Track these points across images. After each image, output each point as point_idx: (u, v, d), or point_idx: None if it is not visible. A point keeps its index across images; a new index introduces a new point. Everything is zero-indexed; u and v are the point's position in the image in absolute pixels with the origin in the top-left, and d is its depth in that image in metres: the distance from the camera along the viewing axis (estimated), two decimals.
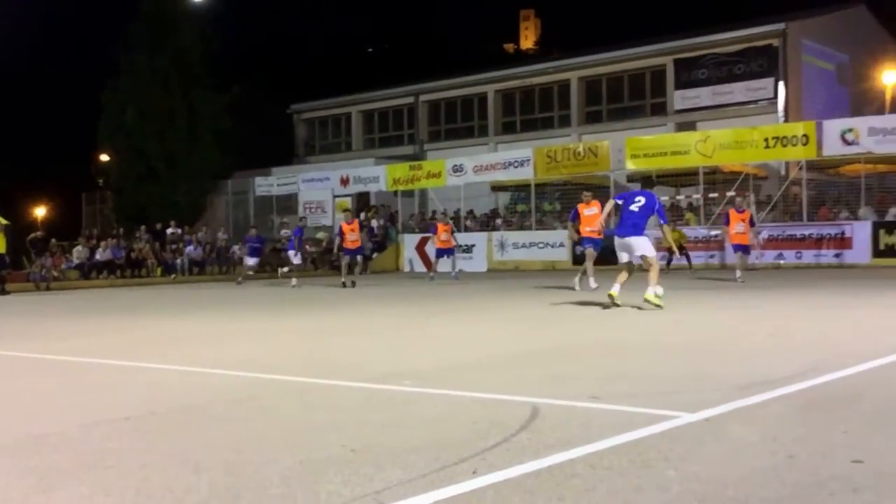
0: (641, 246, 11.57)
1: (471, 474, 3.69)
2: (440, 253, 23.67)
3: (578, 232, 16.72)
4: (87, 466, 4.06)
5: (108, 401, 5.94)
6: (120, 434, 4.78)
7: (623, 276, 11.84)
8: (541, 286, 18.19)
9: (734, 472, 3.64)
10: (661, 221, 11.83)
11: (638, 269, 12.05)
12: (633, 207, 11.59)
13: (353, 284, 20.31)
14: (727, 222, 18.28)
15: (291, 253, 22.87)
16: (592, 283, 15.29)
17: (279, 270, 25.51)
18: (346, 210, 23.78)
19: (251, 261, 24.91)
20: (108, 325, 12.60)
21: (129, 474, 3.90)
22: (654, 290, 11.31)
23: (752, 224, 18.35)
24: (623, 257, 11.82)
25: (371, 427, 4.71)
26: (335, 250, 23.37)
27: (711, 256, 25.06)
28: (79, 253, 27.44)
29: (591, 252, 16.05)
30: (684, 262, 23.25)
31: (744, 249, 18.14)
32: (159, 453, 4.27)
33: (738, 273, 17.77)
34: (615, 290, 11.60)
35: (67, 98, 52.89)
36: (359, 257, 21.76)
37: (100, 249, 27.66)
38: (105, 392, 6.35)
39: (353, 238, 21.19)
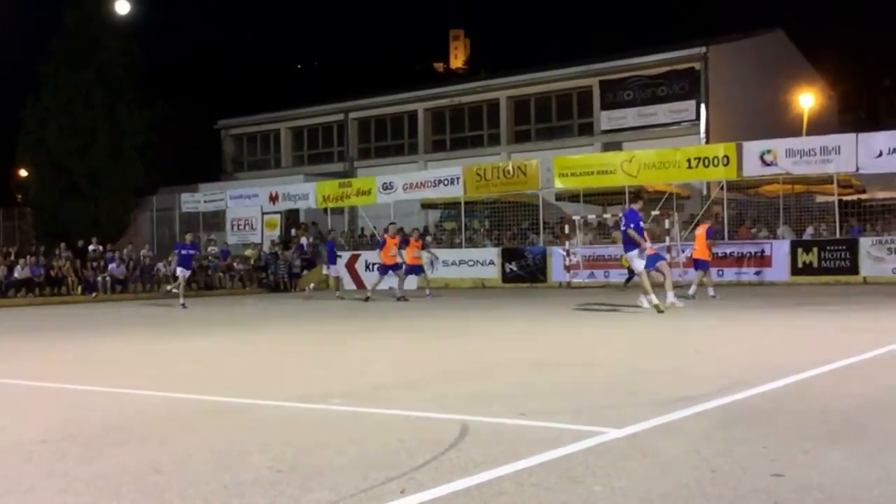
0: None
1: (399, 494, 3.66)
2: (409, 270, 22.20)
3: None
4: (2, 491, 3.91)
5: (23, 423, 5.73)
6: (37, 457, 4.61)
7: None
8: (472, 304, 18.25)
9: (659, 486, 3.68)
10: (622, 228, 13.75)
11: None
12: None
13: (405, 299, 20.17)
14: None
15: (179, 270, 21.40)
16: (671, 296, 14.79)
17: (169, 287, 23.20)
18: (392, 223, 22.42)
19: (182, 272, 21.38)
20: (24, 345, 12.19)
21: (48, 499, 3.76)
22: (658, 298, 13.40)
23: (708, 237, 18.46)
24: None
25: (297, 447, 4.64)
26: (397, 263, 21.73)
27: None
28: None
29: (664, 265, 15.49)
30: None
31: (704, 265, 18.24)
32: (78, 477, 4.13)
33: (711, 290, 17.78)
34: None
35: None
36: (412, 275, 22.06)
37: (18, 267, 26.81)
38: (21, 414, 6.13)
39: (415, 254, 21.79)
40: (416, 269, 22.60)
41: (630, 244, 13.87)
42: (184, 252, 21.52)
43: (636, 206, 14.49)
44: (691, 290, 17.71)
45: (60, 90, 36.14)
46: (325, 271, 25.56)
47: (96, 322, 17.10)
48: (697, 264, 18.15)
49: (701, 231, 18.38)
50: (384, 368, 8.19)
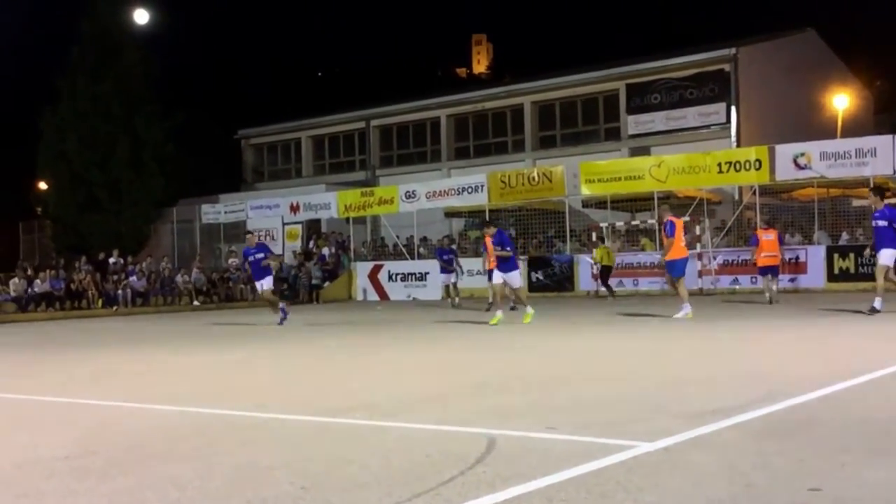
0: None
1: None
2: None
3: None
4: None
5: (44, 439, 5.79)
6: (58, 474, 4.65)
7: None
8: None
9: (692, 501, 3.66)
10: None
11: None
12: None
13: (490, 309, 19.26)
14: (755, 243, 18.84)
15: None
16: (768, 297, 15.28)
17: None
18: (486, 222, 20.77)
19: (260, 285, 18.12)
20: (45, 360, 12.32)
21: None
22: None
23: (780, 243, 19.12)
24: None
25: (321, 463, 4.65)
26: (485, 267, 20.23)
27: (667, 282, 25.34)
28: (16, 285, 26.87)
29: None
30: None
31: (773, 271, 18.86)
32: (100, 494, 4.17)
33: (769, 295, 18.31)
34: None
35: (1, 124, 51.87)
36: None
37: (38, 281, 27.11)
38: (42, 430, 6.19)
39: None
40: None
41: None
42: (251, 259, 17.95)
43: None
44: (770, 297, 18.20)
45: (79, 102, 36.55)
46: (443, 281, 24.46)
47: (117, 336, 17.24)
48: (769, 270, 18.66)
49: (773, 237, 18.79)
50: (408, 381, 8.20)
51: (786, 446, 4.62)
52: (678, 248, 14.57)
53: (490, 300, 19.68)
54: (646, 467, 4.27)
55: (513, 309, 19.06)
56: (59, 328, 20.63)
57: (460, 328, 15.32)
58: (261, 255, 17.85)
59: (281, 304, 17.98)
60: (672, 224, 14.62)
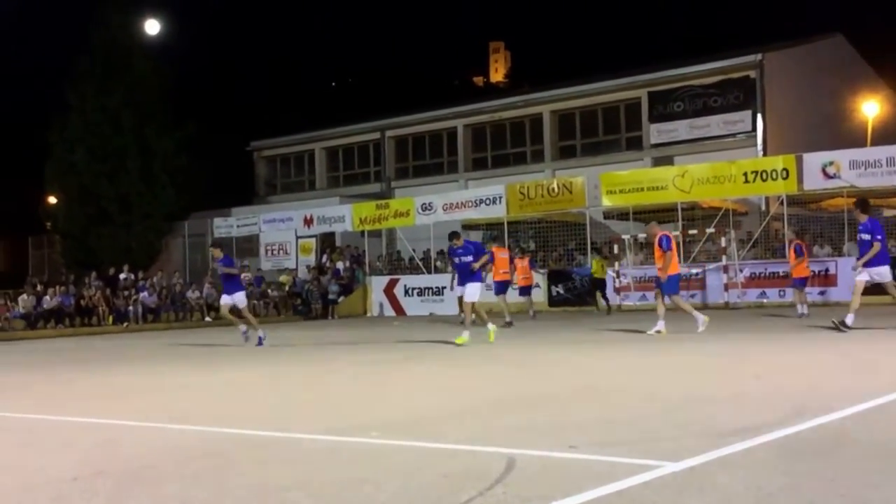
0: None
1: None
2: (523, 291, 23.49)
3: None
4: None
5: (53, 460, 5.82)
6: (67, 496, 4.68)
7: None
8: (517, 330, 18.19)
9: None
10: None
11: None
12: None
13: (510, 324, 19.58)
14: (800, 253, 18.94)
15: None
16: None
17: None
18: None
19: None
20: (54, 378, 12.39)
21: None
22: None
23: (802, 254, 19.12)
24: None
25: (336, 482, 4.65)
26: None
27: (693, 296, 25.23)
28: (24, 301, 27.06)
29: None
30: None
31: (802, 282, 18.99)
32: None
33: (801, 307, 18.36)
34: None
35: (10, 136, 52.34)
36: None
37: (47, 297, 27.30)
38: (50, 450, 6.23)
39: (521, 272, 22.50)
40: (526, 290, 23.63)
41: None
42: (220, 272, 17.53)
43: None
44: (804, 310, 18.22)
45: (88, 113, 36.85)
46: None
47: (128, 353, 17.32)
48: (799, 282, 18.70)
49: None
50: (425, 399, 8.20)
51: (815, 466, 4.59)
52: (674, 263, 14.75)
53: (507, 317, 19.76)
54: (671, 488, 4.25)
55: (509, 324, 19.11)
56: (69, 345, 20.75)
57: (475, 345, 15.29)
58: (232, 269, 17.07)
59: (244, 329, 16.56)
60: (668, 238, 14.66)
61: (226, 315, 17.43)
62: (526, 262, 23.86)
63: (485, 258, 15.36)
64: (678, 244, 26.66)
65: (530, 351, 13.50)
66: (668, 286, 14.66)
